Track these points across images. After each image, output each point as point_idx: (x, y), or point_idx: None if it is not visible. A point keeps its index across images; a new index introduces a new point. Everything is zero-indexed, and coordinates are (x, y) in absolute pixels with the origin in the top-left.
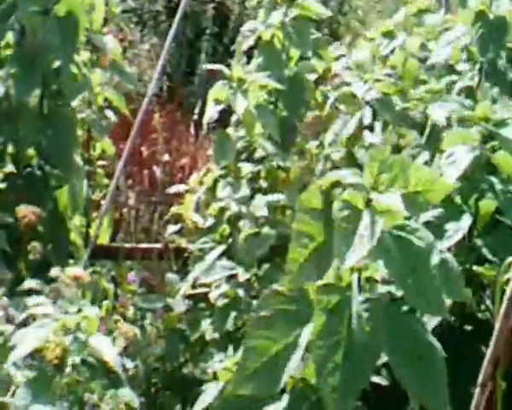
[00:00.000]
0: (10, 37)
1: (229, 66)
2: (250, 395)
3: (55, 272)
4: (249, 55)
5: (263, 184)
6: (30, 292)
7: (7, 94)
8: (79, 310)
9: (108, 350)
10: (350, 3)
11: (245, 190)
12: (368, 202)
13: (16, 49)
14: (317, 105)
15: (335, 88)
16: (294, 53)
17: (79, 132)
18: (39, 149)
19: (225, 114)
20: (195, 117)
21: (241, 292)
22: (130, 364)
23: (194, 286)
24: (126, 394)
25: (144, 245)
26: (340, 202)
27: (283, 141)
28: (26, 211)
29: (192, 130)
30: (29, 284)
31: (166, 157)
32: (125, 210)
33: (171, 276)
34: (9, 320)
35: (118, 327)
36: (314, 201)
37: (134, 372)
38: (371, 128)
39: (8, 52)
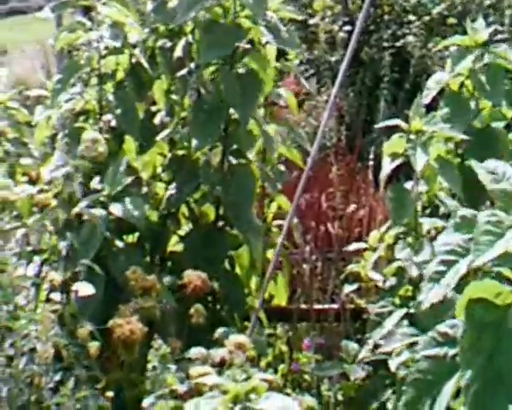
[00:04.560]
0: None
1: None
2: None
3: (219, 335)
4: (428, 105)
5: None
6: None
7: (189, 153)
8: (248, 378)
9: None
10: None
11: (426, 251)
12: None
13: (195, 105)
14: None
15: None
16: (486, 103)
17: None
18: (217, 207)
19: (404, 167)
20: (373, 167)
21: None
22: None
23: (373, 352)
24: None
25: (320, 306)
26: None
27: (470, 197)
28: (192, 277)
29: (371, 181)
30: (194, 352)
31: (344, 211)
32: (303, 267)
33: (347, 342)
34: None
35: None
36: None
37: None
38: None
39: (185, 111)
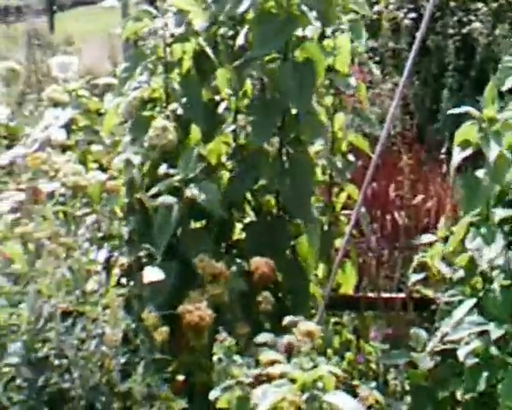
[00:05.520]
0: (249, 86)
1: (477, 103)
2: None
3: (287, 322)
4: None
5: None
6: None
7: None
8: (315, 366)
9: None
10: None
11: (498, 241)
12: None
13: (254, 97)
14: None
15: None
16: None
17: (321, 178)
18: (278, 196)
19: (475, 155)
20: (442, 156)
21: (493, 350)
22: None
23: (441, 341)
24: None
25: (387, 295)
26: None
27: None
28: (259, 263)
29: (440, 170)
30: (263, 338)
31: (412, 201)
32: (369, 256)
33: (416, 330)
34: None
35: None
36: None
37: None
38: None
39: (246, 101)
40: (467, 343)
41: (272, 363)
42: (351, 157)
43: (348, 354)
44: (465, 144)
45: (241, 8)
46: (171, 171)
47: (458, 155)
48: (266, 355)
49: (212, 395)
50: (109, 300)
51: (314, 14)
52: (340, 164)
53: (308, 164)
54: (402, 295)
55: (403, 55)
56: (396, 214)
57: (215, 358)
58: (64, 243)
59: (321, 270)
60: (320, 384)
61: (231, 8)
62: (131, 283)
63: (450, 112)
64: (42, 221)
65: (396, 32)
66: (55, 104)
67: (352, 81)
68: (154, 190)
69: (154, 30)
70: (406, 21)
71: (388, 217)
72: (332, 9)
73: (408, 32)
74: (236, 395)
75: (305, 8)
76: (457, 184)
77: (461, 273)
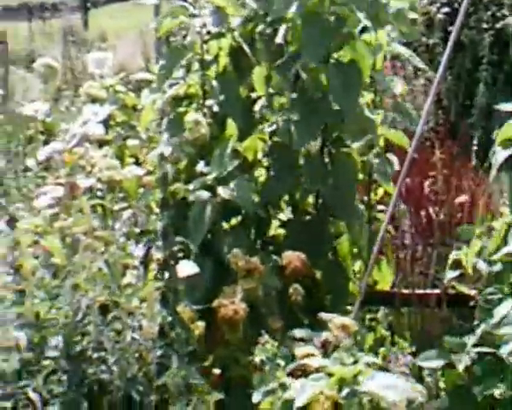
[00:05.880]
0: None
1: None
2: None
3: (323, 316)
4: None
5: None
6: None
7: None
8: (355, 361)
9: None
10: None
11: None
12: None
13: (296, 96)
14: None
15: None
16: None
17: (361, 176)
18: (318, 195)
19: None
20: (474, 150)
21: None
22: None
23: (481, 339)
24: None
25: (421, 291)
26: None
27: None
28: (292, 257)
29: (472, 165)
30: (299, 333)
31: (446, 196)
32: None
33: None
34: None
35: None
36: None
37: None
38: None
39: (283, 100)
40: (505, 342)
41: (308, 356)
42: (392, 157)
43: (382, 350)
44: (509, 143)
45: (291, 10)
46: (206, 169)
47: (502, 154)
48: (302, 349)
49: (255, 398)
50: (146, 293)
51: (363, 13)
52: (379, 161)
53: (351, 164)
54: (436, 291)
55: (436, 49)
56: (431, 210)
57: (257, 359)
58: (101, 238)
59: (357, 266)
60: (360, 379)
61: (280, 8)
62: (166, 277)
63: (498, 108)
64: (80, 216)
65: (429, 26)
66: (93, 100)
67: (396, 84)
68: (189, 188)
69: (187, 26)
70: (439, 16)
71: (423, 213)
72: (383, 13)
73: (441, 26)
74: (279, 398)
75: (354, 7)
76: (495, 182)
77: (499, 270)
